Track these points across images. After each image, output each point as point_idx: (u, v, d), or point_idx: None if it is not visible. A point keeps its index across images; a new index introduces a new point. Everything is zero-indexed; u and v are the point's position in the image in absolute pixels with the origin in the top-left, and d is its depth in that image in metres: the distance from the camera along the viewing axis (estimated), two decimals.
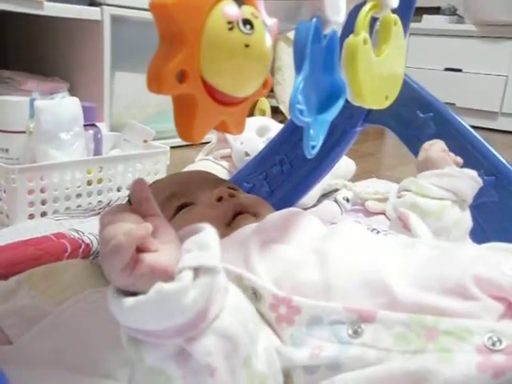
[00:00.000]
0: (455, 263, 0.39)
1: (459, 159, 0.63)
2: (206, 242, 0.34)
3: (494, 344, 0.32)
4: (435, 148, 0.63)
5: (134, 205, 0.34)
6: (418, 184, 0.60)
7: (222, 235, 0.50)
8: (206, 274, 0.32)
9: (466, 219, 0.61)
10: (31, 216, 0.92)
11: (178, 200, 0.58)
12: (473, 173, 0.61)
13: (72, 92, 1.48)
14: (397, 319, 0.35)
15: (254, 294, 0.40)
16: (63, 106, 1.00)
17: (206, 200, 0.57)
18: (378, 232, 0.45)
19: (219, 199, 0.56)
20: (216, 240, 0.34)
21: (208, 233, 0.34)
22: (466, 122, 0.71)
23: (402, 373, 0.32)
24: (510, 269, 0.37)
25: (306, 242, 0.45)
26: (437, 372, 0.31)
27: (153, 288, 0.30)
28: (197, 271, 0.31)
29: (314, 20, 0.41)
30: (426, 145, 0.65)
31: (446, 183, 0.59)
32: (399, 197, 0.61)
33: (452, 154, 0.63)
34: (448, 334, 0.33)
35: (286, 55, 1.87)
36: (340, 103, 0.47)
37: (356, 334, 0.35)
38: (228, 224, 0.54)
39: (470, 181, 0.61)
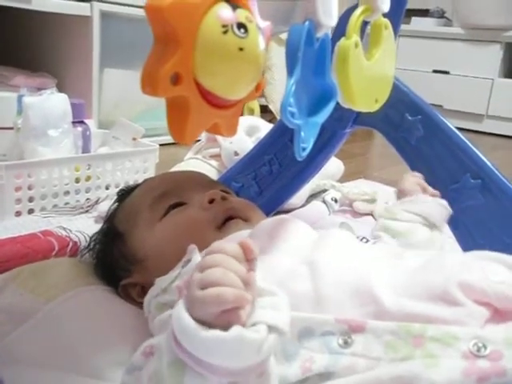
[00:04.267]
0: (441, 271, 0.40)
1: (435, 192, 0.65)
2: (280, 305, 0.35)
3: (479, 350, 0.33)
4: (411, 180, 0.65)
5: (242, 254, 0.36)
6: (389, 210, 0.63)
7: (213, 239, 0.50)
8: (276, 333, 0.33)
9: (437, 239, 0.61)
10: (18, 213, 0.91)
11: (169, 199, 0.58)
12: (442, 201, 0.63)
13: (60, 88, 1.46)
14: (386, 328, 0.36)
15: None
16: (51, 102, 0.99)
17: (198, 201, 0.57)
18: (367, 241, 0.46)
19: (211, 201, 0.56)
20: (288, 307, 0.36)
21: (282, 299, 0.36)
22: (452, 124, 0.72)
23: (389, 378, 0.33)
24: (495, 274, 0.38)
25: (297, 251, 0.46)
26: (423, 377, 0.32)
27: (233, 330, 0.31)
28: (270, 328, 0.33)
29: (307, 23, 0.41)
30: (406, 175, 0.67)
31: (415, 208, 0.61)
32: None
33: (430, 188, 0.65)
34: (434, 341, 0.34)
35: (277, 55, 1.88)
36: (331, 106, 0.47)
37: (346, 344, 0.36)
38: (218, 227, 0.54)
39: (438, 206, 0.62)
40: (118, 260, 0.59)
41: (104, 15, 1.51)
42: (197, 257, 0.46)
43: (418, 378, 0.32)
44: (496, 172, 0.67)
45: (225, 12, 0.31)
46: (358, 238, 0.47)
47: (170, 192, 0.59)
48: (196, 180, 0.63)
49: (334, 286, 0.40)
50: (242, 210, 0.57)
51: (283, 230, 0.49)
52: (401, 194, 0.64)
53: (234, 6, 0.33)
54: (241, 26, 0.32)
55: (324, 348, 0.37)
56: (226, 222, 0.55)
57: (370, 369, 0.34)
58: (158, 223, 0.56)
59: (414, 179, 0.65)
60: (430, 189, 0.65)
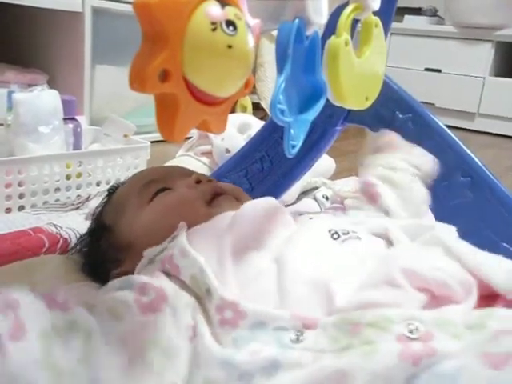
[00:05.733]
0: (389, 260, 0.41)
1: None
2: None
3: (411, 332, 0.33)
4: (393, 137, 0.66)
5: None
6: (386, 159, 0.62)
7: (204, 214, 0.51)
8: None
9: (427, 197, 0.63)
10: (8, 210, 0.91)
11: (156, 185, 0.58)
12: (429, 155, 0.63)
13: (51, 84, 1.46)
14: (329, 322, 0.36)
15: (207, 291, 0.41)
16: (42, 98, 0.99)
17: (185, 183, 0.58)
18: (339, 236, 0.46)
19: (198, 182, 0.57)
20: None
21: None
22: (444, 122, 0.72)
23: (331, 371, 0.33)
24: (436, 261, 0.40)
25: (272, 246, 0.46)
26: (362, 367, 0.33)
27: None
28: None
29: (297, 21, 0.41)
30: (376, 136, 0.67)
31: (414, 159, 0.61)
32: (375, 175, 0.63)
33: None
34: (371, 326, 0.35)
35: (269, 52, 1.88)
36: (321, 103, 0.47)
37: (298, 340, 0.36)
38: (208, 203, 0.55)
39: (431, 160, 0.63)
40: (107, 252, 0.59)
41: (96, 11, 1.50)
42: (183, 233, 0.47)
43: (357, 369, 0.33)
44: (485, 170, 0.67)
45: (214, 9, 0.31)
46: (330, 231, 0.47)
47: (157, 179, 0.59)
48: (181, 170, 0.64)
49: (296, 287, 0.41)
50: (229, 190, 0.58)
51: (265, 219, 0.49)
52: (384, 147, 0.65)
53: (223, 4, 0.32)
54: (230, 23, 0.32)
55: (275, 342, 0.37)
56: (215, 197, 0.55)
57: (315, 362, 0.35)
58: (146, 206, 0.57)
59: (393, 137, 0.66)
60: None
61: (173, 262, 0.45)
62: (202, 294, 0.42)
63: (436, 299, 0.37)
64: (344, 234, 0.47)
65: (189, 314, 0.41)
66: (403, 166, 0.61)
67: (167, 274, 0.45)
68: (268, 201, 0.53)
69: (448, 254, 0.41)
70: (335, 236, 0.46)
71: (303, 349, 0.36)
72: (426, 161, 0.63)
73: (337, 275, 0.41)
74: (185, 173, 0.63)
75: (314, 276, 0.41)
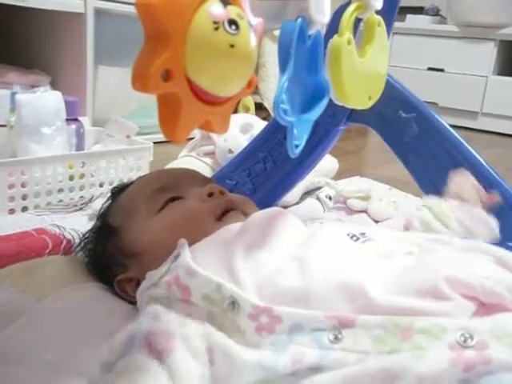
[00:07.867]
0: (429, 267, 0.40)
1: (495, 197, 0.60)
2: None
3: (465, 341, 0.33)
4: (467, 187, 0.59)
5: None
6: (440, 208, 0.57)
7: (212, 229, 0.51)
8: None
9: None
10: (12, 211, 0.91)
11: (167, 193, 0.58)
12: (494, 225, 0.57)
13: (54, 85, 1.46)
14: (374, 322, 0.36)
15: (232, 304, 0.41)
16: (45, 99, 0.99)
17: (197, 194, 0.57)
18: (358, 238, 0.46)
19: (210, 195, 0.56)
20: None
21: None
22: (447, 122, 0.72)
23: (376, 370, 0.33)
24: (482, 269, 0.38)
25: (287, 246, 0.46)
26: (410, 368, 0.33)
27: None
28: None
29: (299, 20, 0.41)
30: (456, 178, 0.60)
31: (467, 221, 0.56)
32: (418, 209, 0.59)
33: (481, 189, 0.59)
34: (422, 333, 0.34)
35: (271, 52, 1.87)
36: (324, 103, 0.47)
37: (336, 339, 0.36)
38: (218, 219, 0.54)
39: (489, 231, 0.57)
40: (113, 255, 0.59)
41: (98, 12, 1.50)
42: (186, 252, 0.46)
43: (404, 370, 0.33)
44: (489, 169, 0.67)
45: (216, 9, 0.31)
46: (348, 235, 0.47)
47: (168, 187, 0.59)
48: (192, 177, 0.64)
49: (322, 283, 0.40)
50: (240, 204, 0.57)
51: (274, 224, 0.49)
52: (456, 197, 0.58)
53: (225, 3, 0.32)
54: (232, 22, 0.32)
55: (315, 343, 0.37)
56: (225, 213, 0.55)
57: (358, 362, 0.35)
58: (155, 215, 0.56)
59: (470, 183, 0.59)
60: (482, 191, 0.59)
61: (181, 284, 0.44)
62: (221, 309, 0.41)
63: (486, 306, 0.37)
64: (363, 236, 0.47)
65: (200, 339, 0.41)
66: (451, 223, 0.56)
67: (171, 299, 0.45)
68: (274, 209, 0.53)
69: (494, 260, 0.41)
70: (354, 238, 0.46)
71: (343, 348, 0.36)
72: (482, 231, 0.56)
73: (365, 273, 0.40)
74: (196, 180, 0.62)
75: (342, 274, 0.41)
